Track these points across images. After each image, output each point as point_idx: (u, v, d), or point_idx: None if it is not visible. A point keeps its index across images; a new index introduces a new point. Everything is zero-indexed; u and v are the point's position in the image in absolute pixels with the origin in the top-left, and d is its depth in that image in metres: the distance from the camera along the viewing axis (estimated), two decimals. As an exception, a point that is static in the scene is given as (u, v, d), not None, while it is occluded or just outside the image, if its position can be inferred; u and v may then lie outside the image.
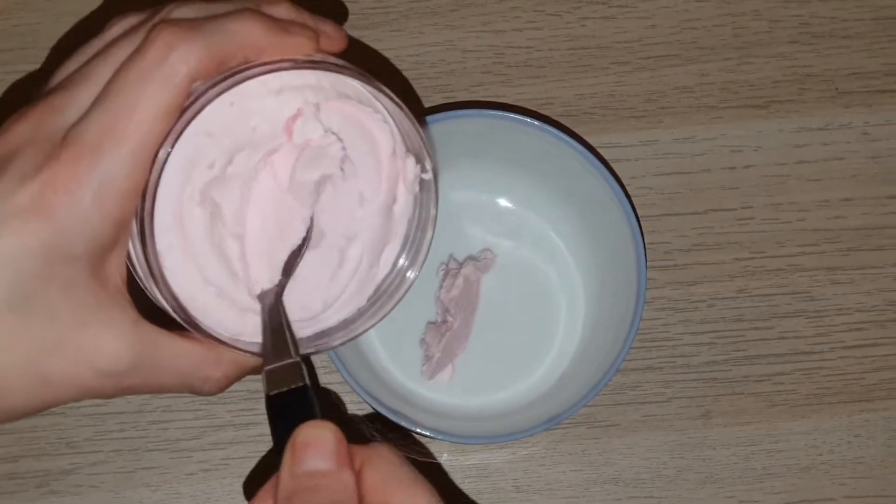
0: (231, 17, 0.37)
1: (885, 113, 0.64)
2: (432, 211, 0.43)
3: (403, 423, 0.53)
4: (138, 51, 0.36)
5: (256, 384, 0.59)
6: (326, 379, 0.61)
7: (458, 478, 0.60)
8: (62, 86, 0.37)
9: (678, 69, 0.65)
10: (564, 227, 0.61)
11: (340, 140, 0.41)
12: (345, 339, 0.44)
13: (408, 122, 0.41)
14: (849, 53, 0.65)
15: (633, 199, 0.59)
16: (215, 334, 0.40)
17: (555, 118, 0.63)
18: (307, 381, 0.41)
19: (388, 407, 0.54)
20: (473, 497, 0.60)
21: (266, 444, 0.60)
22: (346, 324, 0.44)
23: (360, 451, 0.38)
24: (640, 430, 0.61)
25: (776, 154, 0.64)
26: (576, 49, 0.65)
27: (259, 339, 0.42)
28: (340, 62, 0.40)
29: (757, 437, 0.61)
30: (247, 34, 0.37)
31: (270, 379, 0.41)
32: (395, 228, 0.44)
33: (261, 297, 0.42)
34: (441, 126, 0.55)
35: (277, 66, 0.38)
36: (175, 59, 0.35)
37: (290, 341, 0.42)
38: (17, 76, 0.62)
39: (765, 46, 0.65)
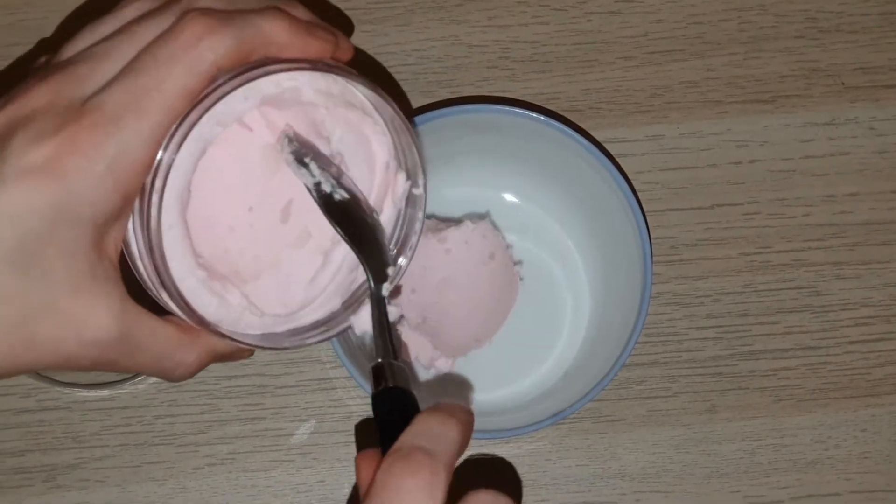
0: (260, 14, 0.38)
1: (891, 108, 0.64)
2: (417, 226, 0.44)
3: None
4: (169, 33, 0.37)
5: (263, 379, 0.60)
6: (333, 374, 0.61)
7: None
8: (84, 57, 0.37)
9: (684, 64, 0.64)
10: (570, 221, 0.61)
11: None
12: (319, 338, 0.44)
13: (407, 137, 0.42)
14: (855, 48, 0.65)
15: (638, 193, 0.59)
16: (203, 319, 0.40)
17: (560, 113, 0.63)
18: (409, 383, 0.43)
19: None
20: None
21: (272, 438, 0.60)
22: (317, 324, 0.45)
23: None
24: (645, 425, 0.61)
25: (782, 149, 0.64)
26: (581, 44, 0.64)
27: (239, 329, 0.42)
28: (352, 70, 0.41)
29: (763, 431, 0.61)
30: (274, 32, 0.38)
31: (375, 376, 0.43)
32: None
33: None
34: (446, 121, 0.55)
35: (295, 66, 0.38)
36: (204, 47, 0.36)
37: (393, 344, 0.44)
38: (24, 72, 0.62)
39: (771, 41, 0.65)
